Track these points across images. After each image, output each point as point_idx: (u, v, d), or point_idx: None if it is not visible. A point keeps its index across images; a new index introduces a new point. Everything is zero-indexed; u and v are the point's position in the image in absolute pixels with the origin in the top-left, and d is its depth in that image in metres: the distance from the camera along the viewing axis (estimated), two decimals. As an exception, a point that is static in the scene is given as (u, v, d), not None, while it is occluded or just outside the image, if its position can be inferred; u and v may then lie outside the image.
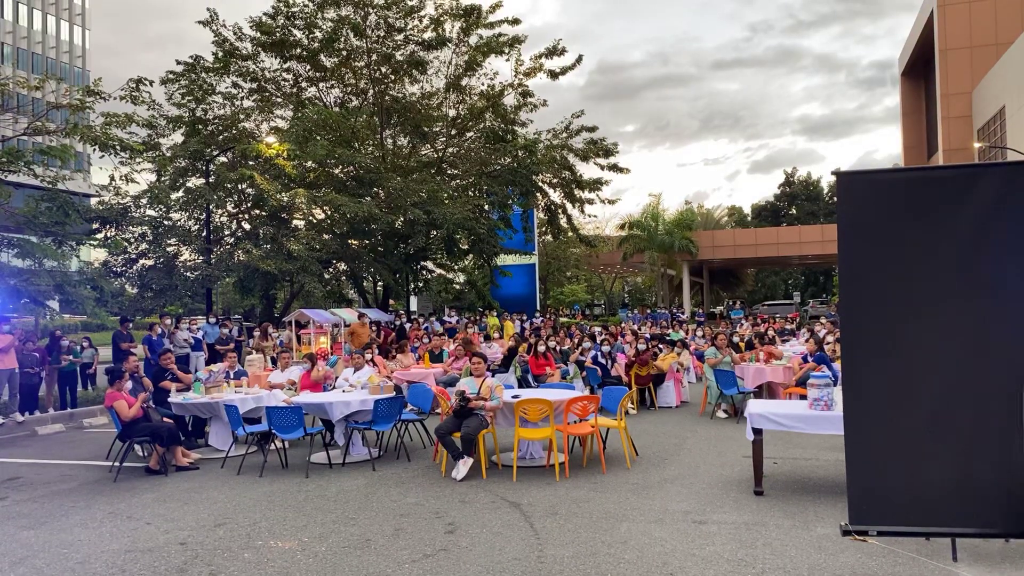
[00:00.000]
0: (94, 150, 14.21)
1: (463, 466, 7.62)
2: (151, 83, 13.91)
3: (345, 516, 6.39)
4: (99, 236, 18.79)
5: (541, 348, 13.06)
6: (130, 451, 8.50)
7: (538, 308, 31.32)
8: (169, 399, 9.65)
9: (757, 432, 6.98)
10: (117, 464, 8.28)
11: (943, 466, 4.10)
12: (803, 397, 9.47)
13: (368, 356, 11.81)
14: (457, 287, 31.91)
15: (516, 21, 24.03)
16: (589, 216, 31.91)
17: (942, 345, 4.09)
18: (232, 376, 10.45)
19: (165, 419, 8.97)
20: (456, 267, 28.43)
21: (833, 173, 4.18)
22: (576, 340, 14.05)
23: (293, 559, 5.34)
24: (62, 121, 13.65)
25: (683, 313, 38.88)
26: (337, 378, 11.25)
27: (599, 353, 12.92)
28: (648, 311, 35.87)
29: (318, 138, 20.76)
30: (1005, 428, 3.97)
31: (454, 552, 5.39)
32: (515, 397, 8.20)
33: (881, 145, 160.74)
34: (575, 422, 8.14)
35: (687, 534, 5.70)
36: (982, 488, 4.06)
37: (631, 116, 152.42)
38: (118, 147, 14.46)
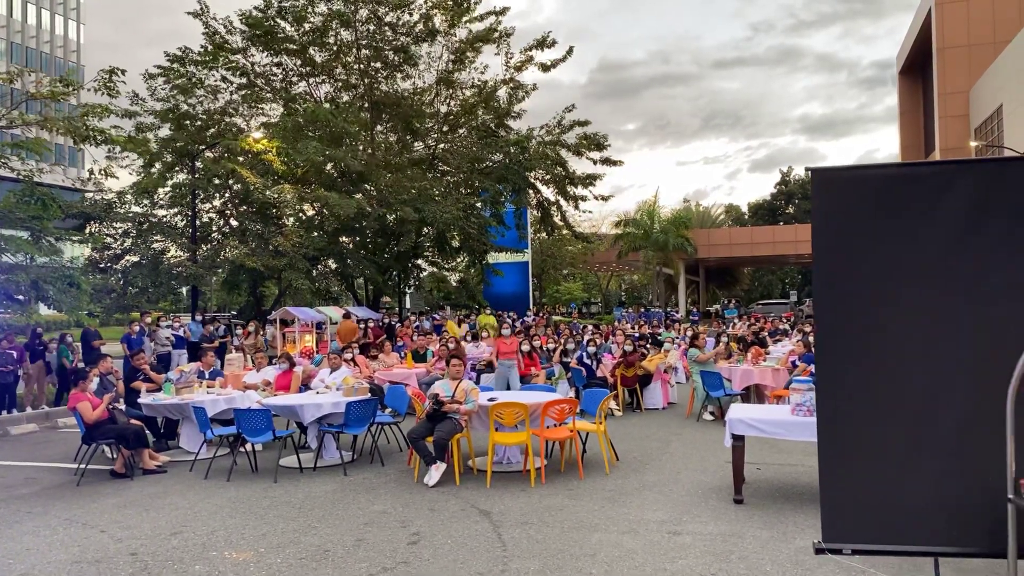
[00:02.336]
0: (73, 141, 13.92)
1: (435, 472, 7.38)
2: (123, 72, 13.63)
3: (307, 525, 6.15)
4: (83, 232, 18.52)
5: (526, 348, 12.82)
6: (96, 454, 8.25)
7: (531, 306, 31.06)
8: (139, 400, 9.41)
9: (738, 438, 6.76)
10: (82, 467, 8.03)
11: (922, 481, 3.86)
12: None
13: (348, 356, 11.56)
14: (453, 284, 31.68)
15: (503, 12, 23.78)
16: (584, 212, 31.66)
17: (921, 353, 3.84)
18: (207, 376, 10.20)
19: (133, 421, 8.71)
20: (447, 266, 28.18)
21: (807, 169, 3.94)
22: (562, 340, 13.78)
23: (245, 571, 5.10)
24: (36, 112, 13.36)
25: (678, 312, 38.65)
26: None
27: (584, 354, 12.68)
28: (642, 309, 35.64)
29: (309, 134, 20.49)
30: (987, 442, 3.73)
31: (415, 565, 5.15)
32: (491, 400, 7.97)
33: (882, 145, 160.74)
34: (553, 426, 7.90)
35: (660, 546, 5.47)
36: (963, 505, 3.82)
37: (632, 114, 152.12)
38: (99, 138, 14.16)
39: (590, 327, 21.17)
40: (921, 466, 3.89)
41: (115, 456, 8.52)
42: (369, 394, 8.98)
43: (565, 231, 29.64)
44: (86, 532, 6.10)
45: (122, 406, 9.27)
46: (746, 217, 73.18)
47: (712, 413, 11.16)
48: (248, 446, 8.49)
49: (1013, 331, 3.70)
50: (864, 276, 3.91)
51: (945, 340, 3.82)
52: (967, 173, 3.80)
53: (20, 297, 14.15)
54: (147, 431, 8.86)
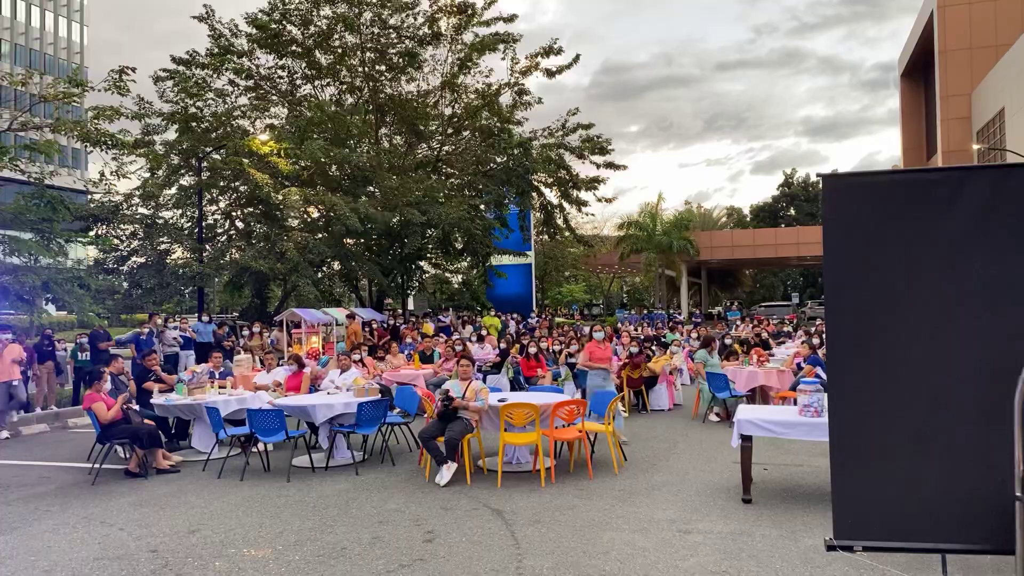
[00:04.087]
0: (85, 146, 14.08)
1: (447, 471, 7.48)
2: (134, 70, 13.76)
3: (323, 523, 6.25)
4: (90, 234, 18.64)
5: (532, 350, 12.91)
6: (109, 454, 8.36)
7: (534, 308, 31.17)
8: (151, 400, 9.51)
9: (746, 439, 6.85)
10: (96, 466, 8.13)
11: (931, 480, 3.96)
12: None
13: (356, 357, 11.66)
14: (456, 286, 31.79)
15: (511, 19, 23.87)
16: (587, 215, 31.80)
17: (930, 354, 3.94)
18: (217, 377, 10.31)
19: (146, 421, 8.81)
20: (451, 268, 28.28)
21: (819, 176, 4.03)
22: (566, 341, 13.88)
23: (265, 568, 5.19)
24: (47, 116, 13.51)
25: (680, 314, 38.76)
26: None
27: (591, 355, 12.75)
28: (645, 311, 35.73)
29: (315, 136, 20.60)
30: (994, 441, 3.82)
31: (431, 562, 5.25)
32: (501, 401, 8.06)
33: (884, 147, 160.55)
34: (562, 426, 8.00)
35: (671, 544, 5.56)
36: (971, 503, 3.91)
37: (635, 116, 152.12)
38: (109, 143, 14.30)
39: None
40: (930, 464, 3.98)
41: (128, 456, 8.62)
42: (380, 394, 9.08)
43: (568, 234, 29.74)
44: (105, 530, 6.20)
45: (136, 406, 9.38)
46: (748, 219, 73.21)
47: (717, 414, 11.25)
48: (260, 446, 8.59)
49: (1019, 331, 3.80)
50: (873, 280, 4.00)
51: (952, 340, 3.92)
52: (974, 179, 3.90)
53: (27, 298, 14.28)
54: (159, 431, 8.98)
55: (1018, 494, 3.64)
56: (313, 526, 6.17)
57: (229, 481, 7.86)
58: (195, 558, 5.42)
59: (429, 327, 18.99)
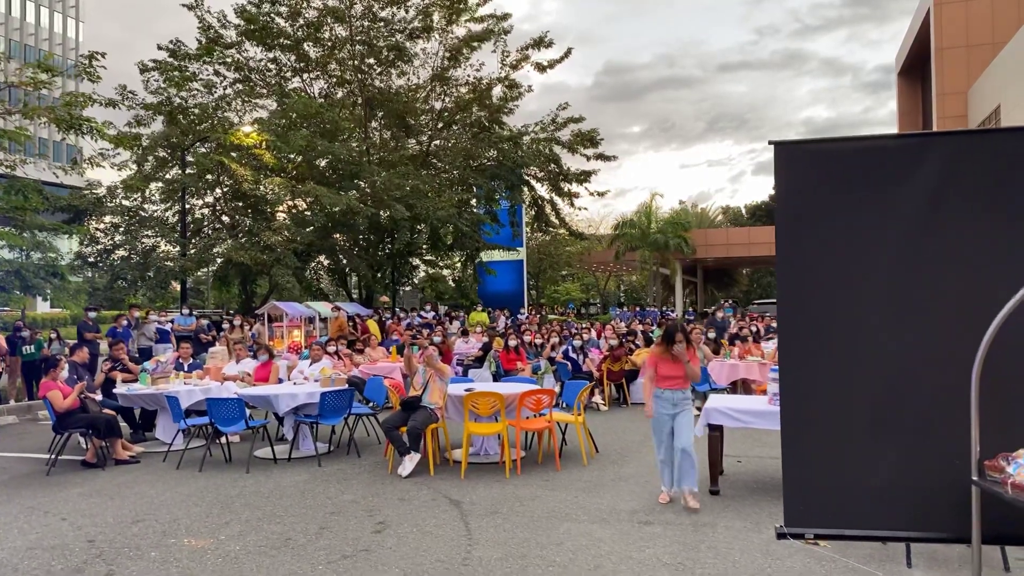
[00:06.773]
0: (58, 128, 13.81)
1: (409, 462, 7.27)
2: (103, 55, 13.48)
3: (272, 513, 6.03)
4: (72, 225, 18.38)
5: (512, 342, 12.70)
6: (69, 444, 8.14)
7: (526, 305, 30.91)
8: (115, 390, 9.29)
9: (714, 428, 6.65)
10: (52, 457, 7.92)
11: (885, 466, 3.74)
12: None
13: (332, 349, 11.45)
14: (450, 283, 31.52)
15: (504, 17, 23.65)
16: (581, 209, 31.54)
17: (885, 333, 3.72)
18: (186, 368, 10.10)
19: (106, 410, 8.59)
20: (442, 264, 28.01)
21: (771, 143, 3.82)
22: (546, 336, 13.67)
23: (201, 559, 4.98)
24: (14, 102, 13.26)
25: (673, 311, 38.56)
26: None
27: (571, 348, 12.56)
28: (638, 309, 35.51)
29: (303, 130, 20.35)
30: (952, 424, 3.61)
31: (376, 553, 5.03)
32: (467, 391, 7.85)
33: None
34: (530, 417, 7.79)
35: (629, 535, 5.35)
36: (927, 489, 3.70)
37: (637, 117, 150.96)
38: (84, 128, 14.05)
39: (584, 325, 21.05)
40: (884, 449, 3.77)
41: (87, 446, 8.40)
42: (347, 385, 8.86)
43: (561, 229, 29.48)
44: (47, 520, 5.99)
45: (98, 396, 9.17)
46: (745, 218, 72.92)
47: (698, 408, 11.01)
48: (224, 437, 8.37)
49: (977, 312, 3.58)
50: (827, 255, 3.78)
51: (909, 320, 3.70)
52: (934, 146, 3.69)
53: (17, 292, 14.04)
54: (123, 421, 8.77)
55: (974, 478, 3.43)
56: (262, 516, 5.95)
57: (187, 472, 7.64)
58: (131, 548, 5.20)
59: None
